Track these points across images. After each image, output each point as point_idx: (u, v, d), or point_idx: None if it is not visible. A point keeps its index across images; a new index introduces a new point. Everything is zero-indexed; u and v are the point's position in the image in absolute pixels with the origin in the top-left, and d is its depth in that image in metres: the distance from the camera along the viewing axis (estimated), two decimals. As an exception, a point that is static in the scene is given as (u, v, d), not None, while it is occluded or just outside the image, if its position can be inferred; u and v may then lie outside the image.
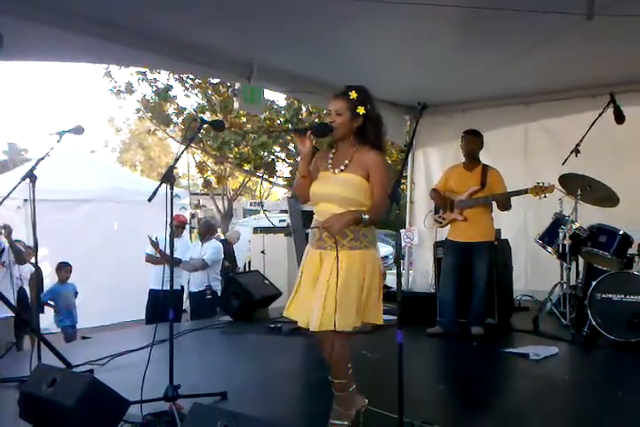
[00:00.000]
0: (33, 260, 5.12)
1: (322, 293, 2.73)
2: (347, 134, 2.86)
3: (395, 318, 2.79)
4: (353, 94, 2.81)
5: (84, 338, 5.69)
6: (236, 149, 16.99)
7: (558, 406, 3.38)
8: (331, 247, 2.76)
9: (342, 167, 2.85)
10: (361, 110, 2.80)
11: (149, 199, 2.97)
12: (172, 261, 3.45)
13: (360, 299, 2.78)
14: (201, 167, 19.14)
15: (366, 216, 2.70)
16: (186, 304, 7.35)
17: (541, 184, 4.89)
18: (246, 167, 17.81)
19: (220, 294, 6.71)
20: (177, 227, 6.67)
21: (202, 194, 24.09)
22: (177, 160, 3.33)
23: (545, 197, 4.92)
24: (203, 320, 6.22)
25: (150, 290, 6.79)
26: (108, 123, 32.96)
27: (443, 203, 5.25)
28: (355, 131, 2.85)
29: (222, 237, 10.85)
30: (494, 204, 5.12)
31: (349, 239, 2.77)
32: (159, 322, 3.43)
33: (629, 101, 5.65)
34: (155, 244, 6.62)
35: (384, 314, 5.71)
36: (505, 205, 5.08)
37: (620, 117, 5.30)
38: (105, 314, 8.51)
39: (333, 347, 2.80)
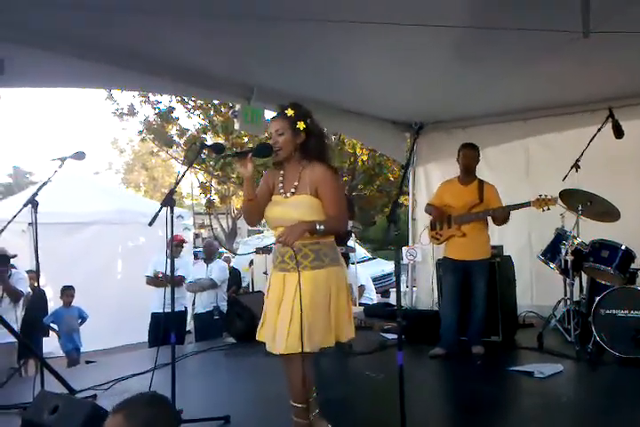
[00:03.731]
0: (36, 283, 5.17)
1: (287, 315, 2.70)
2: (291, 153, 2.84)
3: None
4: (290, 111, 2.82)
5: (87, 362, 5.67)
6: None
7: (563, 426, 3.35)
8: (293, 269, 2.74)
9: (293, 190, 2.83)
10: (301, 125, 2.80)
11: (150, 224, 2.98)
12: (173, 283, 3.46)
13: (329, 319, 2.76)
14: (204, 188, 19.22)
15: (321, 226, 2.68)
16: (190, 325, 7.35)
17: (544, 197, 4.85)
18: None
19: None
20: (176, 246, 6.65)
21: (206, 214, 24.14)
22: (177, 184, 3.35)
23: (548, 209, 4.86)
24: (206, 342, 6.20)
25: (152, 313, 6.79)
26: (111, 144, 33.26)
27: (440, 218, 5.17)
28: (298, 147, 2.83)
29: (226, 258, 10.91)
30: (490, 220, 5.09)
31: (311, 259, 2.75)
32: (161, 345, 3.43)
33: (628, 116, 5.65)
34: (159, 277, 6.64)
35: (388, 333, 5.74)
36: (504, 219, 5.04)
37: (619, 132, 5.29)
38: (109, 337, 8.48)
39: (294, 369, 2.76)
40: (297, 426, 2.86)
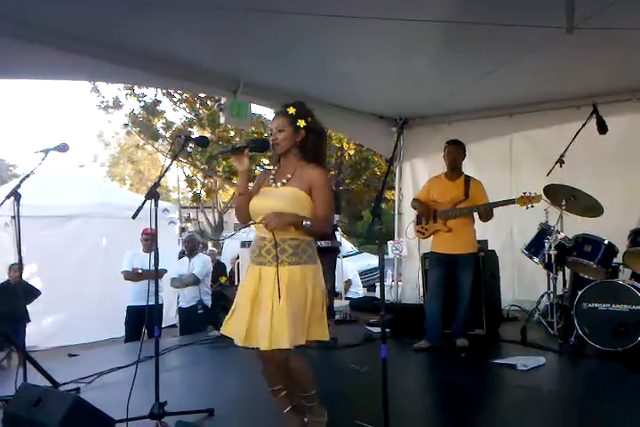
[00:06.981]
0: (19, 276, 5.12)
1: (267, 310, 2.69)
2: (290, 149, 2.85)
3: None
4: (291, 110, 2.83)
5: (70, 356, 5.63)
6: (224, 163, 17.00)
7: (545, 418, 3.39)
8: (270, 263, 2.75)
9: (284, 181, 2.84)
10: (302, 123, 2.81)
11: (133, 216, 2.97)
12: (157, 276, 3.44)
13: (304, 314, 2.74)
14: (190, 181, 19.14)
15: (308, 222, 2.69)
16: (174, 320, 7.33)
17: (528, 194, 4.90)
18: (235, 180, 17.85)
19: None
20: (146, 240, 6.66)
21: (192, 207, 24.04)
22: (160, 177, 3.33)
23: (532, 206, 4.92)
24: (191, 336, 6.18)
25: (128, 306, 6.75)
26: (97, 137, 32.95)
27: (426, 212, 5.23)
28: (297, 144, 2.85)
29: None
30: (476, 214, 5.14)
31: (289, 255, 2.74)
32: (138, 339, 3.41)
33: (612, 112, 5.71)
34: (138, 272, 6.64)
35: (373, 326, 5.76)
36: (488, 215, 5.10)
37: (602, 128, 5.33)
38: (92, 330, 8.44)
39: (291, 364, 2.79)
40: (310, 410, 2.91)
